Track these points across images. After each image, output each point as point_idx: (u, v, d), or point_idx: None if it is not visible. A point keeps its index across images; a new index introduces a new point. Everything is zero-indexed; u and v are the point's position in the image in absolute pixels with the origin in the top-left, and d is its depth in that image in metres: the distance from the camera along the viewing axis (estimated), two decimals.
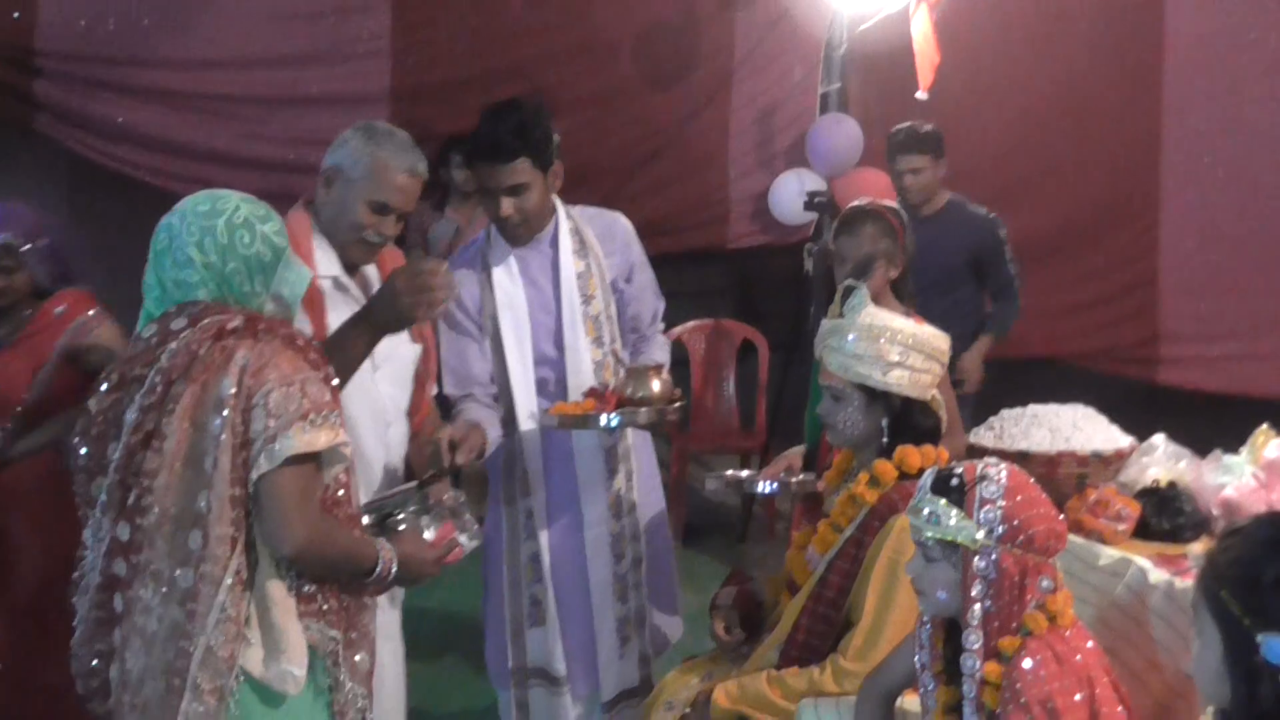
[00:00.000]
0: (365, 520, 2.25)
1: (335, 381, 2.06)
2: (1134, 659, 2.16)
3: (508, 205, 2.86)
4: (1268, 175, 5.31)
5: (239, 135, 5.54)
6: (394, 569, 2.06)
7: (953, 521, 2.00)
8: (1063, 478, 2.75)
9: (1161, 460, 2.85)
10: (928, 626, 2.15)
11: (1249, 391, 5.20)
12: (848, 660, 2.40)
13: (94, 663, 2.01)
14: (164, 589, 1.91)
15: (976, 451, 2.79)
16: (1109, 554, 2.28)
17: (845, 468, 2.69)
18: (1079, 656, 1.96)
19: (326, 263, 2.54)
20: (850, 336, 2.49)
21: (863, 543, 2.46)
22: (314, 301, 2.46)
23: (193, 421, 1.91)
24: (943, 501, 2.02)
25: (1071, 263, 5.69)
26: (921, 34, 5.06)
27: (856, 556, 2.46)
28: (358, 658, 2.05)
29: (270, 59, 5.53)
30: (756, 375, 6.03)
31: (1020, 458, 2.72)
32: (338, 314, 2.49)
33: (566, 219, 3.01)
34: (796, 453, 3.14)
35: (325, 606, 2.01)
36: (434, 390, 2.86)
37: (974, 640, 1.99)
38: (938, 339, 2.55)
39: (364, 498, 2.33)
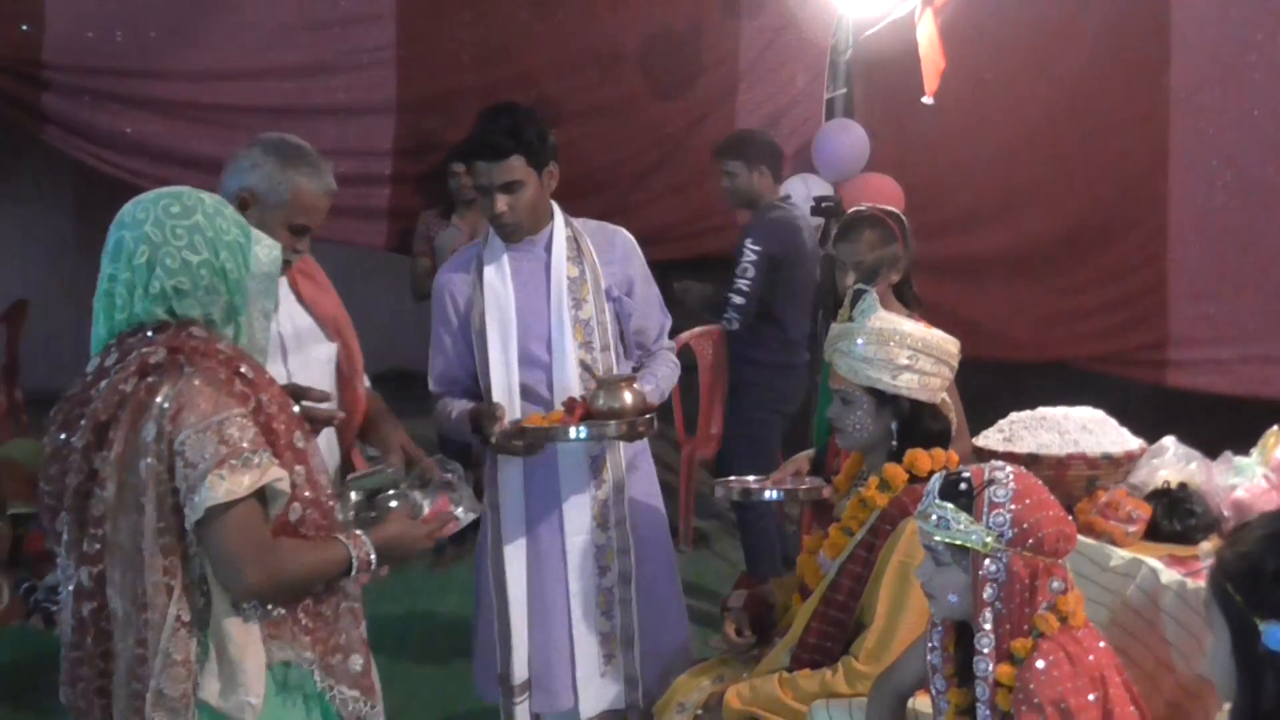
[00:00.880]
0: (353, 497, 2.23)
1: (276, 407, 1.95)
2: (1146, 659, 2.15)
3: (501, 202, 2.90)
4: (1276, 177, 5.29)
5: None
6: (372, 558, 2.01)
7: (962, 526, 2.00)
8: (1072, 480, 2.75)
9: (1172, 462, 2.84)
10: (939, 629, 2.15)
11: (1259, 393, 5.19)
12: (860, 662, 2.40)
13: (79, 702, 2.00)
14: (123, 630, 1.90)
15: (985, 455, 2.79)
16: (1120, 555, 2.28)
17: (855, 472, 2.69)
18: (1091, 656, 1.96)
19: None
20: (859, 340, 2.50)
21: (874, 546, 2.46)
22: None
23: (125, 466, 1.86)
24: (951, 506, 2.02)
25: (1080, 267, 5.68)
26: (927, 39, 5.06)
27: (867, 560, 2.47)
28: (348, 662, 2.02)
29: (277, 70, 5.54)
30: None
31: (1030, 460, 2.72)
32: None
33: (564, 226, 3.03)
34: (804, 457, 3.15)
35: (298, 627, 1.97)
36: (365, 384, 2.83)
37: (986, 643, 1.99)
38: (947, 342, 2.55)
39: None
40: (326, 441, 2.65)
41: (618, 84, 5.91)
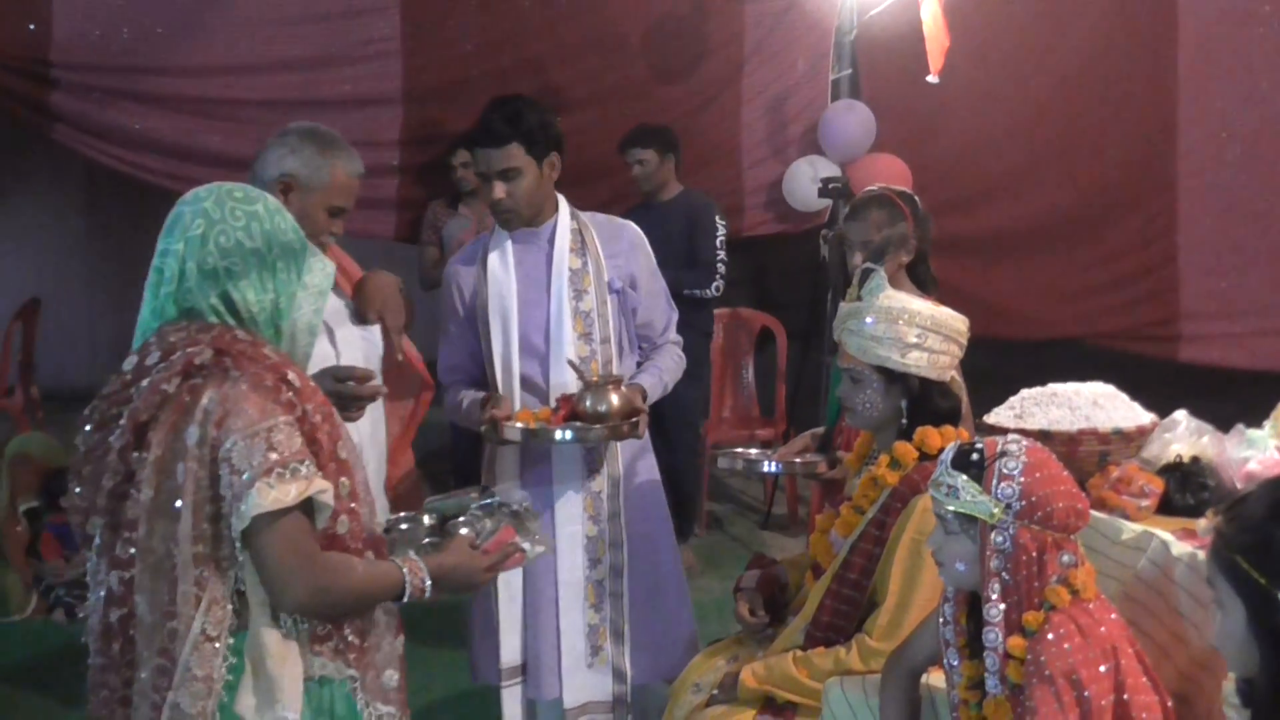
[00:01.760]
0: (426, 520, 2.19)
1: (320, 417, 1.90)
2: (1158, 632, 2.16)
3: (499, 189, 2.94)
4: None
5: (254, 139, 5.52)
6: (427, 585, 1.97)
7: (970, 496, 2.02)
8: (1084, 456, 2.74)
9: (1184, 436, 2.84)
10: (951, 602, 2.16)
11: (1272, 366, 5.18)
12: (874, 639, 2.41)
13: (101, 711, 1.94)
14: (148, 638, 1.84)
15: (996, 432, 2.79)
16: (1131, 529, 2.28)
17: (865, 451, 2.70)
18: (1103, 629, 1.97)
19: None
20: (868, 319, 2.50)
21: (885, 524, 2.47)
22: None
23: (162, 470, 1.80)
24: (962, 476, 2.03)
25: (1090, 243, 5.68)
26: (931, 17, 5.04)
27: (879, 538, 2.48)
28: (383, 677, 1.98)
29: (283, 63, 5.55)
30: (775, 363, 6.05)
31: (1041, 437, 2.72)
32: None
33: (570, 218, 3.04)
34: (812, 434, 3.17)
35: (344, 643, 1.93)
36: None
37: (994, 614, 2.01)
38: (956, 320, 2.55)
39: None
40: (371, 424, 2.70)
41: (622, 70, 5.91)
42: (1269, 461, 2.68)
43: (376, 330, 2.87)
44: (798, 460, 3.02)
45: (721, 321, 6.07)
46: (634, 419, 2.90)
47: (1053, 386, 2.92)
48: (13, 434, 5.75)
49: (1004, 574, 2.00)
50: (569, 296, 2.98)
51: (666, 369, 3.14)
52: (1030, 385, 2.98)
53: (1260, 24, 5.25)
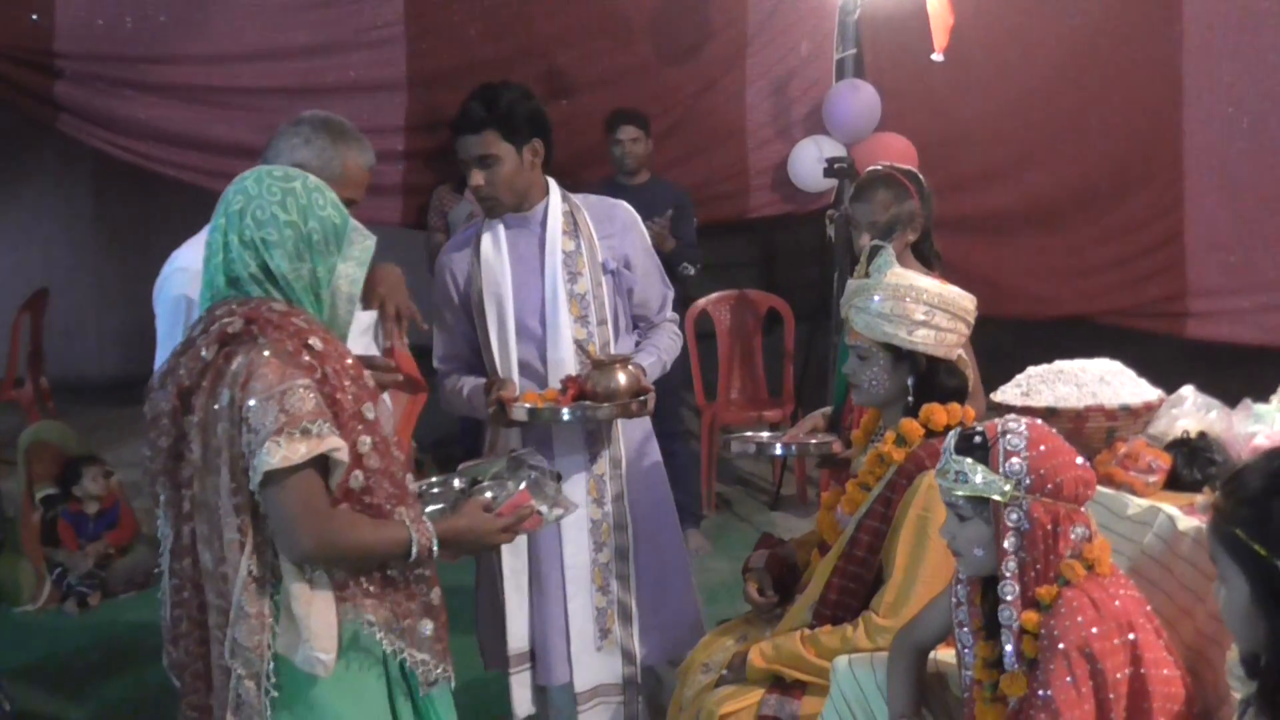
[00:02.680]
0: (457, 484, 2.30)
1: (348, 380, 2.03)
2: (1166, 606, 2.16)
3: (477, 176, 2.94)
4: None
5: (259, 127, 5.54)
6: (434, 546, 2.05)
7: (980, 478, 2.01)
8: (1091, 432, 2.75)
9: (1191, 411, 2.84)
10: (965, 586, 2.16)
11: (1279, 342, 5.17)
12: (881, 616, 2.42)
13: (183, 656, 2.09)
14: (211, 581, 2.01)
15: (1003, 410, 2.79)
16: (1138, 504, 2.28)
17: (872, 428, 2.71)
18: (1118, 602, 1.96)
19: None
20: (876, 296, 2.50)
21: (891, 501, 2.48)
22: None
23: (205, 430, 1.98)
24: (968, 460, 2.03)
25: (1096, 220, 5.65)
26: None
27: (885, 515, 2.48)
28: (420, 625, 2.07)
29: (286, 50, 5.54)
30: (783, 344, 6.05)
31: (1048, 414, 2.72)
32: None
33: (561, 201, 3.04)
34: (820, 415, 3.17)
35: (360, 590, 2.03)
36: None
37: (1010, 591, 2.00)
38: (964, 299, 2.55)
39: None
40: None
41: (627, 52, 5.89)
42: (1276, 436, 2.69)
43: (372, 316, 2.84)
44: (811, 441, 3.01)
45: (729, 303, 6.08)
46: (642, 397, 2.91)
47: (1059, 364, 2.92)
48: (23, 425, 5.78)
49: (1020, 552, 2.00)
50: (563, 279, 2.98)
51: (664, 348, 3.16)
52: (1037, 363, 2.98)
53: None
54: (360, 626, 2.04)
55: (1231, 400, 2.88)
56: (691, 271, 5.36)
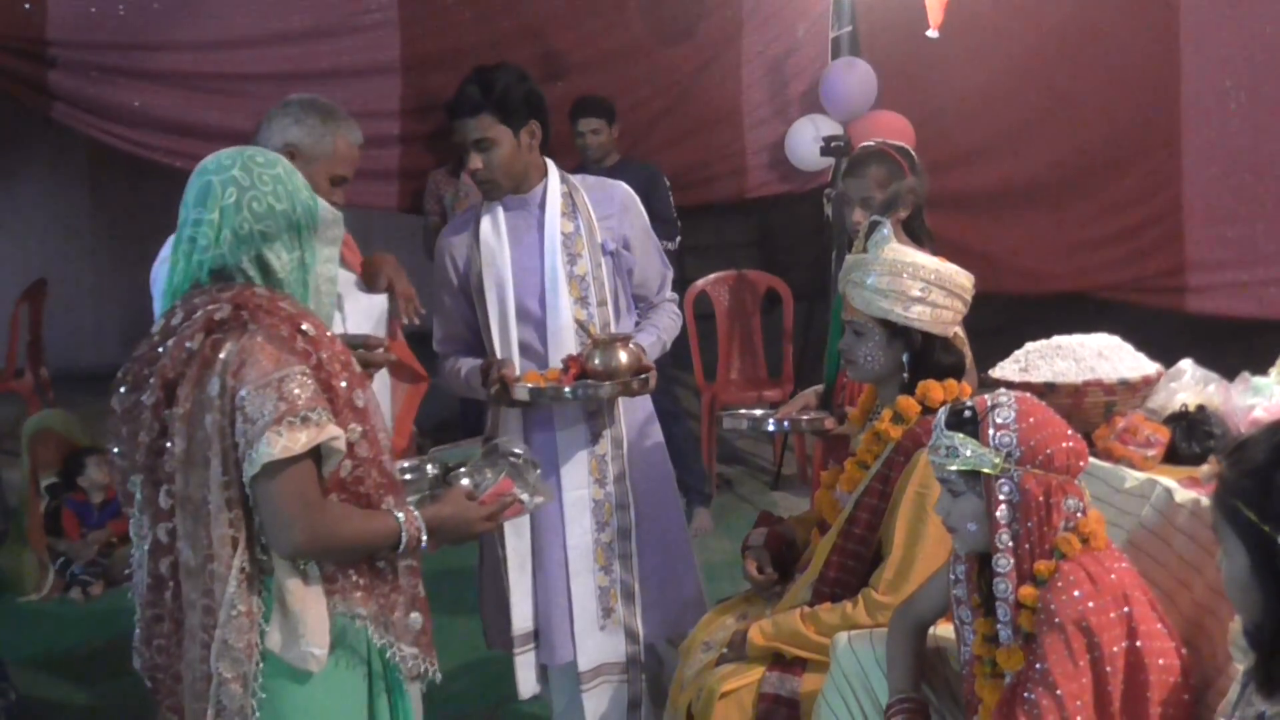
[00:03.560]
0: (430, 470, 2.25)
1: (338, 365, 1.97)
2: (1164, 579, 2.17)
3: (475, 159, 2.94)
4: None
5: (253, 113, 5.48)
6: (422, 536, 2.03)
7: (970, 451, 2.02)
8: (1090, 407, 2.74)
9: (1189, 385, 2.83)
10: (963, 563, 2.17)
11: (1278, 314, 5.16)
12: (880, 593, 2.43)
13: (160, 659, 2.03)
14: (194, 581, 1.94)
15: (1000, 386, 2.79)
16: (1134, 477, 2.29)
17: (869, 406, 2.71)
18: (1113, 576, 1.97)
19: None
20: (873, 272, 2.50)
21: (889, 478, 2.48)
22: None
23: (191, 422, 1.90)
24: (959, 435, 2.04)
25: (1094, 196, 5.64)
26: None
27: (884, 492, 2.49)
28: (408, 619, 2.05)
29: (280, 36, 5.52)
30: (782, 324, 6.05)
31: (1046, 389, 2.72)
32: None
33: (560, 182, 3.03)
34: (813, 392, 3.18)
35: (349, 583, 2.00)
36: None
37: (1004, 564, 2.01)
38: (961, 276, 2.55)
39: None
40: (377, 390, 2.73)
41: (621, 32, 5.87)
42: (1275, 409, 2.68)
43: (383, 301, 2.88)
44: (804, 418, 3.02)
45: (727, 283, 6.07)
46: (643, 375, 2.91)
47: (1057, 339, 2.91)
48: (23, 415, 5.78)
49: (1013, 524, 2.00)
50: (563, 261, 2.97)
51: (664, 328, 3.16)
52: (1036, 339, 2.98)
53: None
54: (348, 620, 2.00)
55: (1230, 373, 2.87)
56: (671, 247, 5.27)
